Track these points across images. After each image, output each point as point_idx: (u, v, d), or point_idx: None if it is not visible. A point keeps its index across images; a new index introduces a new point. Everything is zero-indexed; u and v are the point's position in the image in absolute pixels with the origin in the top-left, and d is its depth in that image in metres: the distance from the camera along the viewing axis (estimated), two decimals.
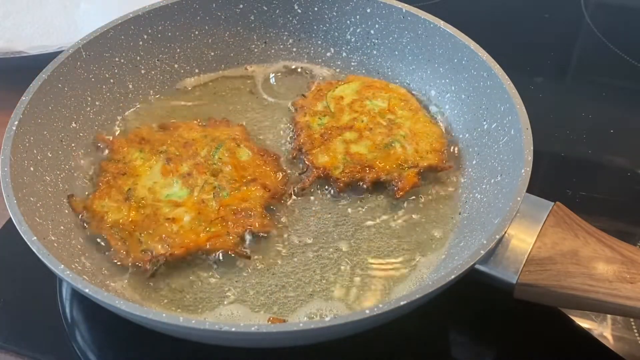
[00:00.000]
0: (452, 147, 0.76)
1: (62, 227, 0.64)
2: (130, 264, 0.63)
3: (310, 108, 0.78)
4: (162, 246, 0.64)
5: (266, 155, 0.73)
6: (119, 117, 0.78)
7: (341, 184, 0.71)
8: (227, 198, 0.68)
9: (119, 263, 0.64)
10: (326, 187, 0.72)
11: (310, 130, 0.75)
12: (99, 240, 0.66)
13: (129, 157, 0.72)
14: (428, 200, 0.71)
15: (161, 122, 0.77)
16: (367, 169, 0.71)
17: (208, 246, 0.64)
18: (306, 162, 0.73)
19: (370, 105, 0.78)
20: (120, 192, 0.68)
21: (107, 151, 0.73)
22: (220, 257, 0.65)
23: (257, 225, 0.66)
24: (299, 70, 0.86)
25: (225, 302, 0.62)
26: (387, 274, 0.65)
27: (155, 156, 0.72)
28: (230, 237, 0.65)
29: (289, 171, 0.73)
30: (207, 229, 0.65)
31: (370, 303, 0.62)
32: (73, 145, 0.72)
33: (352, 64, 0.86)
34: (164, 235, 0.64)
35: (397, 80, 0.83)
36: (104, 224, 0.66)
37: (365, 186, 0.71)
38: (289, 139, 0.78)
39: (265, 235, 0.67)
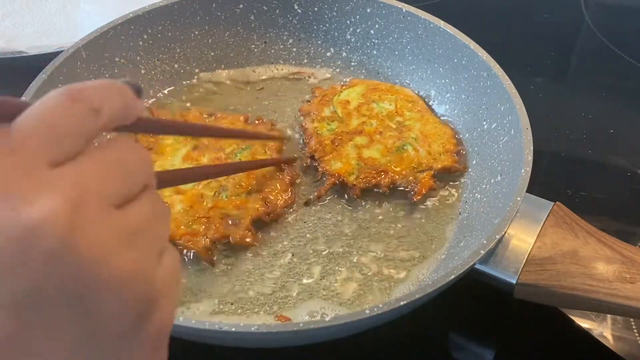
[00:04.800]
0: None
1: None
2: None
3: (318, 114, 0.77)
4: None
5: (285, 171, 0.71)
6: None
7: (357, 190, 0.70)
8: (225, 200, 0.67)
9: None
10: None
11: (320, 136, 0.74)
12: None
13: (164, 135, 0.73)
14: (427, 201, 0.71)
15: (211, 110, 0.79)
16: (382, 173, 0.71)
17: (182, 241, 0.64)
18: (320, 169, 0.72)
19: (377, 109, 0.77)
20: None
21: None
22: (191, 257, 0.65)
23: (237, 237, 0.65)
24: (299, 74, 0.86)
25: (225, 302, 0.62)
26: (387, 274, 0.65)
27: (186, 140, 0.73)
28: (204, 241, 0.64)
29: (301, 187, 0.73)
30: (190, 224, 0.65)
31: (371, 303, 0.62)
32: None
33: (352, 64, 0.86)
34: None
35: (397, 80, 0.83)
36: None
37: (381, 191, 0.71)
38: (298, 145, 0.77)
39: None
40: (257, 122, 0.77)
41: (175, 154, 0.71)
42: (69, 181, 0.25)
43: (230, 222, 0.65)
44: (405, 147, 0.73)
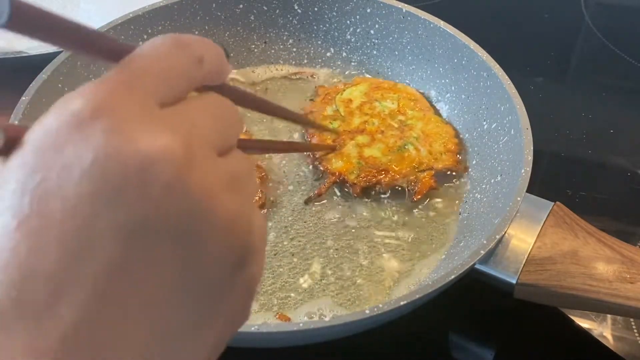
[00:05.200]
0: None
1: None
2: None
3: (320, 113, 0.77)
4: None
5: (256, 172, 0.71)
6: None
7: (357, 189, 0.70)
8: None
9: None
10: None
11: (322, 135, 0.75)
12: None
13: None
14: (427, 200, 0.71)
15: None
16: (383, 172, 0.71)
17: None
18: (321, 167, 0.72)
19: (380, 107, 0.77)
20: None
21: None
22: None
23: None
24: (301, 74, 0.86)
25: None
26: (387, 274, 0.65)
27: None
28: None
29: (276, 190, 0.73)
30: None
31: (370, 303, 0.62)
32: None
33: (352, 64, 0.86)
34: None
35: (397, 80, 0.83)
36: None
37: (382, 190, 0.71)
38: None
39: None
40: None
41: None
42: (180, 122, 0.26)
43: None
44: (406, 147, 0.73)
